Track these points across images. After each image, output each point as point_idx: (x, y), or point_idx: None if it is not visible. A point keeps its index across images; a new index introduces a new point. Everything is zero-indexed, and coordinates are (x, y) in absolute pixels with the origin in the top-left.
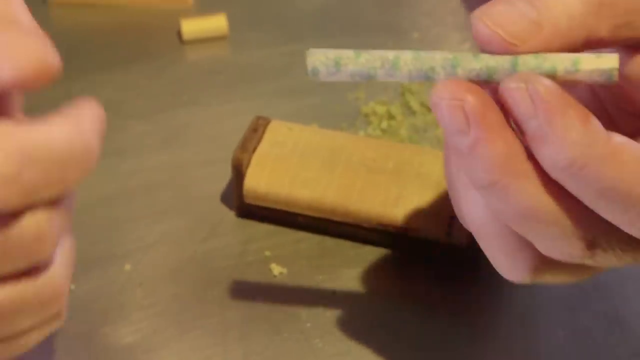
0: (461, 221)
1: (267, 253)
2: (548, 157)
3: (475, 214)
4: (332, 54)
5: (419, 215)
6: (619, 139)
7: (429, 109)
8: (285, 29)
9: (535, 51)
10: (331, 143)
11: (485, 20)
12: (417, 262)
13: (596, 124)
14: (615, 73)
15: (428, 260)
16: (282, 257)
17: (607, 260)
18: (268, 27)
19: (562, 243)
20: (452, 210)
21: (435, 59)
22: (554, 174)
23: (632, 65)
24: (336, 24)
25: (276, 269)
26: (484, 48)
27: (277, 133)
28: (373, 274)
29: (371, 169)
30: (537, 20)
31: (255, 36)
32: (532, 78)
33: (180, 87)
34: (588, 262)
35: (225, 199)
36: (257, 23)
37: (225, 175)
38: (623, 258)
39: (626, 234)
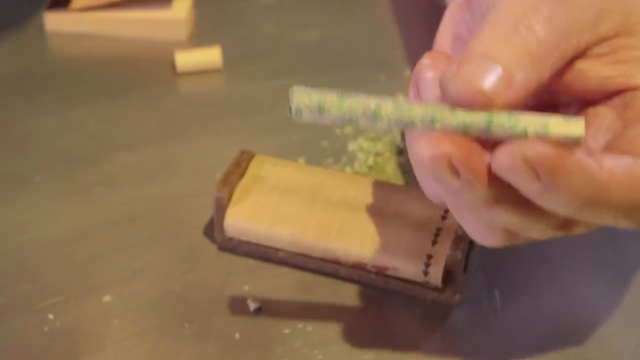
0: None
1: (246, 287)
2: (553, 204)
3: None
4: (316, 97)
5: (396, 254)
6: (609, 162)
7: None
8: (279, 62)
9: (511, 102)
10: (313, 179)
11: (460, 80)
12: (395, 301)
13: (589, 163)
14: (582, 138)
15: (406, 298)
16: (261, 292)
17: (581, 231)
18: (262, 60)
19: (542, 229)
20: (430, 250)
21: (415, 111)
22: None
23: (563, 80)
24: (330, 59)
25: (254, 304)
26: (459, 105)
27: (261, 168)
28: (351, 311)
29: (351, 206)
30: (502, 74)
31: (249, 69)
32: (525, 149)
33: (172, 118)
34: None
35: (208, 232)
36: (252, 56)
37: (209, 208)
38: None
39: None
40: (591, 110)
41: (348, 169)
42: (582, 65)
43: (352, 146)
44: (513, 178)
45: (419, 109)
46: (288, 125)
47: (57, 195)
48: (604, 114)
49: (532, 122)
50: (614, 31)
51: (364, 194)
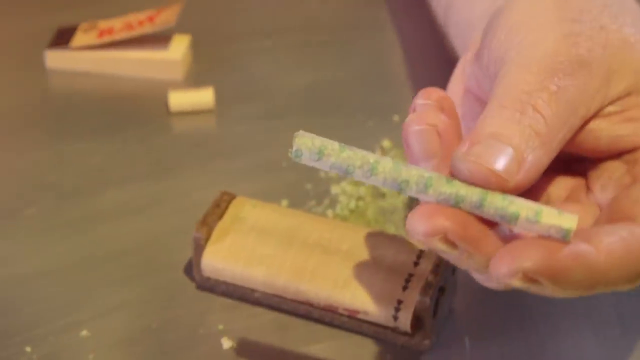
0: None
1: (221, 327)
2: (556, 295)
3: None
4: (318, 142)
5: (367, 298)
6: (606, 240)
7: (398, 192)
8: (270, 105)
9: (523, 186)
10: (291, 222)
11: (475, 160)
12: (366, 344)
13: (586, 252)
14: (572, 234)
15: (377, 342)
16: (235, 332)
17: None
18: (254, 102)
19: None
20: (400, 295)
21: (412, 174)
22: None
23: (572, 141)
24: (320, 103)
25: (227, 343)
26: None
27: (240, 209)
28: (323, 353)
29: (326, 249)
30: (514, 155)
31: (240, 110)
32: (522, 260)
33: (162, 157)
34: None
35: (188, 270)
36: (244, 98)
37: (190, 247)
38: None
39: None
40: (602, 164)
41: (330, 212)
42: (592, 125)
43: (335, 189)
44: (516, 285)
45: (416, 172)
46: (274, 167)
47: (45, 230)
48: (615, 167)
49: (525, 207)
50: (625, 91)
51: (339, 238)
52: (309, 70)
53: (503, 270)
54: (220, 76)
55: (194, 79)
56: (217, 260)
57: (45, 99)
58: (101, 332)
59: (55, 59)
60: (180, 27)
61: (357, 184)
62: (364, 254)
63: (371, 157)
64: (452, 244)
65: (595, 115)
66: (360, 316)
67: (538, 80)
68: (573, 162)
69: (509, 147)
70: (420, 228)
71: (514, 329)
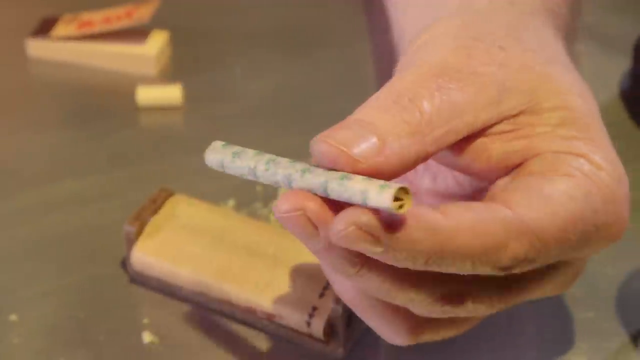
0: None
1: (145, 320)
2: (402, 261)
3: (347, 293)
4: (231, 149)
5: (283, 302)
6: (455, 210)
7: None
8: (237, 106)
9: (384, 170)
10: (223, 222)
11: (329, 141)
12: (283, 348)
13: (428, 214)
14: (394, 210)
15: (295, 347)
16: (159, 327)
17: (478, 309)
18: (222, 102)
19: (429, 302)
20: (316, 302)
21: (280, 172)
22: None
23: (463, 159)
24: (289, 107)
25: (148, 337)
26: (326, 166)
27: (176, 206)
28: (241, 354)
29: (252, 252)
30: (375, 141)
31: (208, 110)
32: (358, 215)
33: (123, 150)
34: (461, 313)
35: (124, 264)
36: (214, 97)
37: None
38: (494, 305)
39: (490, 283)
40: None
41: (272, 215)
42: (484, 143)
43: (282, 192)
44: (353, 245)
45: (284, 170)
46: None
47: None
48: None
49: (355, 192)
50: (517, 110)
51: (267, 242)
52: (280, 75)
53: (339, 225)
54: (194, 74)
55: (167, 75)
56: (147, 255)
57: (24, 87)
58: (29, 317)
59: (36, 47)
60: (160, 24)
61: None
62: (287, 259)
63: (254, 163)
64: (313, 226)
65: (485, 133)
66: (276, 320)
67: (424, 79)
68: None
69: (371, 133)
70: (283, 206)
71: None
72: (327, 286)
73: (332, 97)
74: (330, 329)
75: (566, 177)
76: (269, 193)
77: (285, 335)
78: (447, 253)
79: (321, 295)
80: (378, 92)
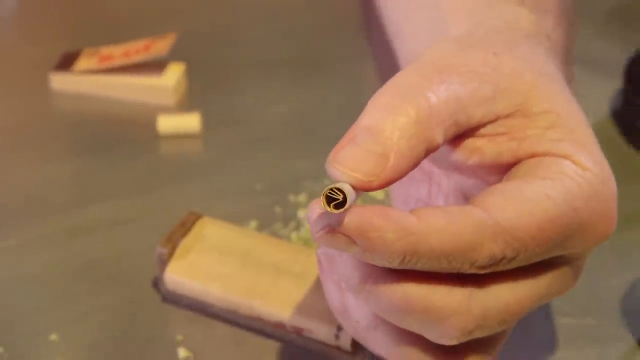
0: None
1: (179, 337)
2: (378, 261)
3: (364, 320)
4: None
5: (311, 317)
6: (427, 213)
7: None
8: (253, 131)
9: (388, 179)
10: (249, 243)
11: (338, 167)
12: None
13: (400, 216)
14: (329, 209)
15: (321, 358)
16: (192, 342)
17: (488, 331)
18: (238, 128)
19: (444, 326)
20: None
21: None
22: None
23: (459, 155)
24: (302, 131)
25: (183, 353)
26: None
27: (204, 228)
28: None
29: (278, 270)
30: (383, 152)
31: (225, 136)
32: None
33: (146, 176)
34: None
35: (156, 283)
36: (230, 124)
37: None
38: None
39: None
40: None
41: (294, 235)
42: (477, 142)
43: (301, 214)
44: (332, 245)
45: None
46: (249, 190)
47: (28, 240)
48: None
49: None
50: (509, 110)
51: (292, 260)
52: (292, 100)
53: (315, 225)
54: (210, 102)
55: (185, 105)
56: (179, 275)
57: (48, 118)
58: (69, 337)
59: (59, 81)
60: (177, 56)
61: None
62: (312, 276)
63: None
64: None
65: (479, 134)
66: (305, 333)
67: (427, 74)
68: None
69: (379, 143)
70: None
71: None
72: None
73: (341, 120)
74: (357, 343)
75: (545, 180)
76: (289, 215)
77: (313, 348)
78: (422, 253)
79: None
80: (382, 89)
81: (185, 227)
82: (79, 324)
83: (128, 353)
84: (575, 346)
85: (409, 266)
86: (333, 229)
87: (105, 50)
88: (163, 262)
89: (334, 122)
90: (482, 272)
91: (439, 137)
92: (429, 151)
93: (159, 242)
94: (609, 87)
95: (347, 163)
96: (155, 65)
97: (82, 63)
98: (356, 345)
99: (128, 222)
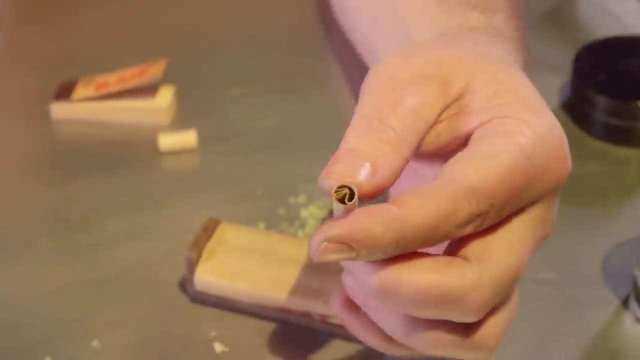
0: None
1: (213, 333)
2: (379, 256)
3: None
4: None
5: None
6: (408, 197)
7: None
8: (246, 143)
9: (380, 189)
10: (268, 241)
11: (333, 176)
12: (338, 345)
13: (382, 209)
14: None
15: (347, 342)
16: (226, 337)
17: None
18: (232, 141)
19: (464, 305)
20: None
21: None
22: None
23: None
24: (289, 140)
25: (219, 347)
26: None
27: (225, 232)
28: (301, 352)
29: (300, 263)
30: (368, 164)
31: (220, 149)
32: (325, 232)
33: (154, 190)
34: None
35: (182, 286)
36: (223, 138)
37: (183, 266)
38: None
39: None
40: None
41: (300, 232)
42: (436, 130)
43: (304, 213)
44: (330, 258)
45: None
46: (251, 195)
47: (56, 256)
48: None
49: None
50: (457, 95)
51: None
52: (277, 113)
53: (313, 246)
54: (202, 120)
55: (178, 123)
56: (208, 275)
57: (53, 145)
58: (110, 342)
59: (60, 109)
60: (166, 79)
61: (322, 207)
62: (333, 266)
63: None
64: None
65: (437, 119)
66: (331, 320)
67: (382, 97)
68: None
69: (363, 159)
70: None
71: None
72: None
73: (325, 128)
74: None
75: (495, 139)
76: (292, 215)
77: (338, 334)
78: (410, 235)
79: None
80: (353, 119)
81: (208, 232)
82: (117, 330)
83: (168, 352)
84: (565, 313)
85: (406, 249)
86: (329, 242)
87: (101, 78)
88: (192, 265)
89: (318, 131)
90: (468, 230)
91: (408, 153)
92: (403, 166)
93: (187, 248)
94: (555, 83)
95: (340, 172)
96: (147, 89)
97: (80, 91)
98: None
99: (145, 233)
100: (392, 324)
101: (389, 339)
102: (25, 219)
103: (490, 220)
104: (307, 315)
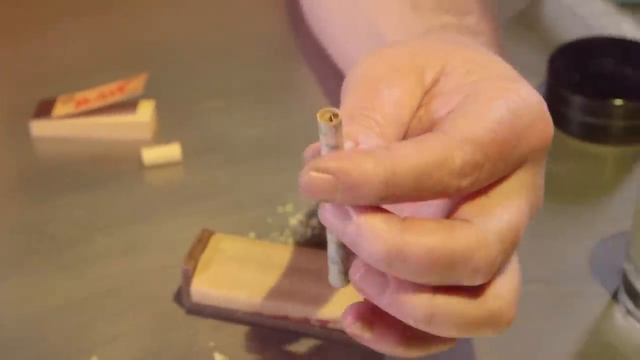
0: None
1: (212, 344)
2: (364, 196)
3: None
4: None
5: (336, 308)
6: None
7: None
8: (229, 154)
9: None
10: (263, 250)
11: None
12: (337, 349)
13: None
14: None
15: (346, 346)
16: (225, 347)
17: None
18: (215, 153)
19: (473, 265)
20: None
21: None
22: None
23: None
24: (271, 148)
25: (219, 357)
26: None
27: (219, 242)
28: (293, 356)
29: (297, 270)
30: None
31: (204, 161)
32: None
33: (140, 204)
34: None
35: (177, 298)
36: (206, 150)
37: (176, 279)
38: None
39: None
40: None
41: (291, 240)
42: (417, 114)
43: (292, 221)
44: (319, 194)
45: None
46: (238, 206)
47: (46, 274)
48: None
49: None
50: (433, 81)
51: (307, 260)
52: (258, 123)
53: (301, 178)
54: (183, 133)
55: (160, 137)
56: (205, 287)
57: (34, 162)
58: (109, 357)
59: (40, 127)
60: (145, 94)
61: (310, 215)
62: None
63: None
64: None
65: (419, 107)
66: (330, 325)
67: (363, 95)
68: None
69: (348, 139)
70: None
71: None
72: None
73: (308, 136)
74: None
75: (477, 104)
76: (281, 224)
77: (337, 338)
78: (401, 176)
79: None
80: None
81: (202, 243)
82: (115, 345)
83: None
84: (557, 309)
85: (397, 196)
86: (317, 171)
87: (80, 95)
88: (188, 277)
89: (300, 139)
90: (465, 184)
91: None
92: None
93: (183, 260)
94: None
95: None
96: (128, 105)
97: (60, 109)
98: None
99: (135, 247)
100: (412, 307)
101: (408, 341)
102: (11, 238)
103: (486, 175)
104: (305, 321)
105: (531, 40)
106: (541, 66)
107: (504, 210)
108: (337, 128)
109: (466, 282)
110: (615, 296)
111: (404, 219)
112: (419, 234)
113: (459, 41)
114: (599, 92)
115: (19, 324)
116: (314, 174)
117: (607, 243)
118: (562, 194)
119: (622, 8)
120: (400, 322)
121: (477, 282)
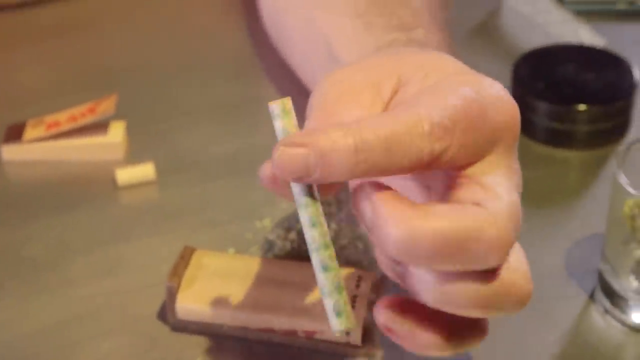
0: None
1: (199, 359)
2: (335, 173)
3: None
4: None
5: (321, 319)
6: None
7: None
8: (203, 171)
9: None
10: (245, 264)
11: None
12: (324, 358)
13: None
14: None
15: (333, 356)
16: None
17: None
18: (188, 170)
19: (484, 243)
20: None
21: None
22: None
23: None
24: (244, 165)
25: None
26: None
27: (201, 259)
28: None
29: (280, 283)
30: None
31: (178, 179)
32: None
33: (117, 225)
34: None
35: (161, 316)
36: (179, 168)
37: (159, 297)
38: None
39: None
40: None
41: (270, 254)
42: None
43: (270, 236)
44: (293, 170)
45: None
46: (216, 222)
47: (26, 298)
48: None
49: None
50: (393, 90)
51: (290, 272)
52: (229, 140)
53: (273, 156)
54: (155, 152)
55: (132, 157)
56: (189, 303)
57: (6, 187)
58: None
59: (10, 152)
60: (115, 114)
61: (288, 229)
62: (311, 283)
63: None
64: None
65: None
66: (317, 336)
67: (321, 118)
68: None
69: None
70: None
71: None
72: (354, 300)
73: None
74: (366, 335)
75: (440, 89)
76: (259, 239)
77: (323, 349)
78: (370, 141)
79: (352, 307)
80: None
81: (185, 260)
82: None
83: None
84: (536, 311)
85: (371, 165)
86: (286, 145)
87: (50, 118)
88: (172, 295)
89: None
90: (438, 147)
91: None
92: None
93: (167, 277)
94: None
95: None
96: (98, 126)
97: (30, 132)
98: (365, 339)
99: (114, 267)
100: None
101: (443, 335)
102: None
103: (458, 142)
104: (292, 333)
105: (493, 49)
106: (505, 74)
107: (503, 191)
108: (290, 111)
109: (481, 265)
110: (592, 296)
111: (416, 204)
112: (429, 219)
113: (410, 50)
114: (563, 98)
115: (0, 348)
116: (285, 149)
117: (581, 245)
118: (531, 198)
119: (578, 16)
120: (435, 317)
121: (493, 261)
